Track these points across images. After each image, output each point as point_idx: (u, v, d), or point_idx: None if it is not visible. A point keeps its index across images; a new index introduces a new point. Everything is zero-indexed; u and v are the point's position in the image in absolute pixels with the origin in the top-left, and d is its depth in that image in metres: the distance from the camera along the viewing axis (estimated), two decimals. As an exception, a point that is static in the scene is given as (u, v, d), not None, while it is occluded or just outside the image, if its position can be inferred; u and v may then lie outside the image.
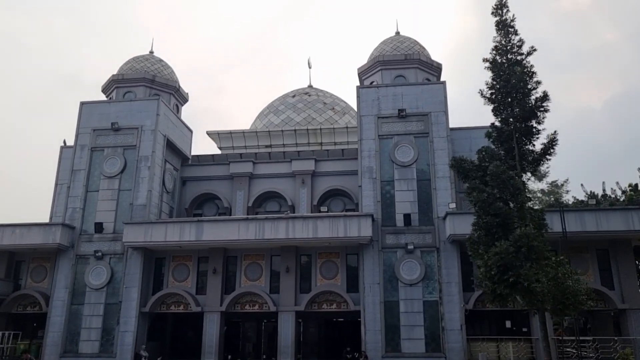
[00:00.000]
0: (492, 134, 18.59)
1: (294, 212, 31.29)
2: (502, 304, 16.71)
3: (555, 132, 17.85)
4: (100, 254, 28.09)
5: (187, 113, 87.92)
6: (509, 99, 17.95)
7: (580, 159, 74.78)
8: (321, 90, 46.77)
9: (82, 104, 31.22)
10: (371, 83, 31.62)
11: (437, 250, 26.38)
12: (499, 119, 18.52)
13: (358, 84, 33.23)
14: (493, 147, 18.46)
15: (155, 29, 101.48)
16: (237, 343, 31.39)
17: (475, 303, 25.58)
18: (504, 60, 18.47)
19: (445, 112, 28.52)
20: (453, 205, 26.17)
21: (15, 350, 27.95)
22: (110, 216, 28.98)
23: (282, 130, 40.30)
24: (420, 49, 32.26)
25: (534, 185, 45.95)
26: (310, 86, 48.15)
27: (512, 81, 17.44)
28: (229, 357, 28.30)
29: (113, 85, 32.87)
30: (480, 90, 18.57)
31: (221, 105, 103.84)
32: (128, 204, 28.96)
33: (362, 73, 32.53)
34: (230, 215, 31.99)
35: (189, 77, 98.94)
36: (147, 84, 32.63)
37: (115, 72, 33.30)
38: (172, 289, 28.23)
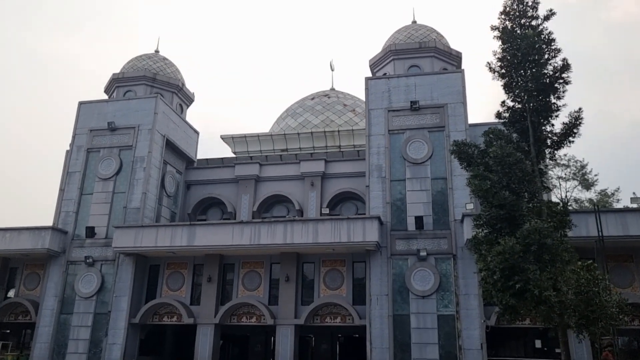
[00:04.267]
0: (503, 114, 15.60)
1: (302, 217, 28.75)
2: (513, 317, 13.46)
3: (580, 109, 14.67)
4: (91, 260, 26.37)
5: (209, 120, 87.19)
6: (522, 71, 14.92)
7: (634, 171, 68.88)
8: (342, 93, 44.31)
9: (81, 103, 29.95)
10: (384, 75, 28.90)
11: (453, 258, 23.20)
12: (511, 96, 15.51)
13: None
14: (504, 129, 15.42)
15: (179, 36, 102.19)
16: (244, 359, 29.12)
17: (497, 319, 22.15)
18: (516, 26, 15.49)
19: (464, 103, 25.47)
20: (471, 206, 22.95)
21: (3, 361, 26.49)
22: (103, 220, 27.30)
23: (298, 133, 38.08)
24: (438, 37, 29.35)
25: (581, 194, 41.78)
26: (332, 89, 45.85)
27: (522, 48, 14.42)
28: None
29: (114, 84, 31.53)
30: (487, 62, 15.64)
31: (246, 114, 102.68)
32: (122, 208, 27.24)
33: (374, 65, 29.88)
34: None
35: (212, 83, 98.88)
36: (148, 82, 31.09)
37: (117, 71, 31.97)
38: (164, 298, 26.13)
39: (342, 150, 35.92)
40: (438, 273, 23.10)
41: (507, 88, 15.60)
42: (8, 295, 28.30)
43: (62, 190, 29.08)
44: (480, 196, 13.28)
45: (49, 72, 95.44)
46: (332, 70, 49.08)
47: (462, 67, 27.82)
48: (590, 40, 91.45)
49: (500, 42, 15.70)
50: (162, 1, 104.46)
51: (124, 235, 25.51)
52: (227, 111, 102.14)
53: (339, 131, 37.00)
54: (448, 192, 24.23)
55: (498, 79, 15.69)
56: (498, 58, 15.57)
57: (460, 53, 28.78)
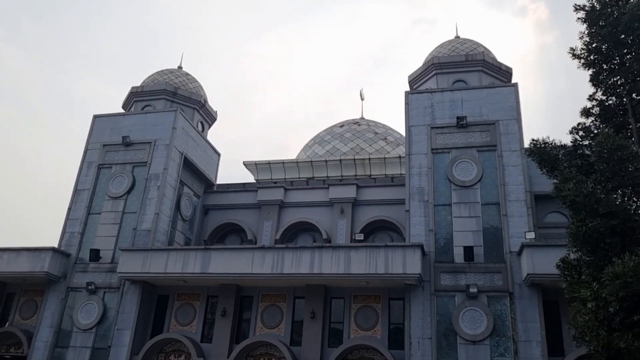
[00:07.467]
0: (591, 111, 12.57)
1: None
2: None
3: (695, 101, 11.58)
4: (93, 286, 23.49)
5: (231, 147, 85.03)
6: (619, 53, 11.98)
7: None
8: (373, 121, 41.80)
9: (95, 117, 27.86)
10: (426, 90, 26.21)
11: (510, 296, 19.67)
12: (602, 88, 12.53)
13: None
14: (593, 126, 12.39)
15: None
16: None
17: (566, 372, 18.41)
18: (608, 4, 12.65)
19: (518, 120, 22.51)
20: (531, 236, 19.62)
21: (-12, 400, 23.39)
22: (110, 243, 24.57)
23: (325, 161, 35.29)
24: (485, 51, 26.70)
25: None
26: (362, 118, 43.49)
27: (623, 23, 11.53)
28: None
29: (132, 98, 29.50)
30: (571, 48, 12.75)
31: (271, 142, 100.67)
32: (132, 229, 24.53)
33: (414, 80, 27.28)
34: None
35: (237, 110, 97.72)
36: (168, 97, 28.95)
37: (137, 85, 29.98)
38: (172, 334, 22.92)
39: (373, 178, 33.11)
40: (491, 314, 19.55)
41: (596, 79, 12.66)
42: (5, 325, 25.46)
43: (69, 209, 26.62)
44: (578, 203, 10.13)
45: (68, 102, 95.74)
46: (362, 99, 46.69)
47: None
48: None
49: (585, 25, 12.87)
50: (189, 30, 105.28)
51: (131, 259, 22.68)
52: (250, 139, 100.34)
53: (369, 159, 34.15)
54: (502, 219, 20.95)
55: (584, 68, 12.76)
56: (585, 42, 12.69)
57: (511, 68, 26.04)
